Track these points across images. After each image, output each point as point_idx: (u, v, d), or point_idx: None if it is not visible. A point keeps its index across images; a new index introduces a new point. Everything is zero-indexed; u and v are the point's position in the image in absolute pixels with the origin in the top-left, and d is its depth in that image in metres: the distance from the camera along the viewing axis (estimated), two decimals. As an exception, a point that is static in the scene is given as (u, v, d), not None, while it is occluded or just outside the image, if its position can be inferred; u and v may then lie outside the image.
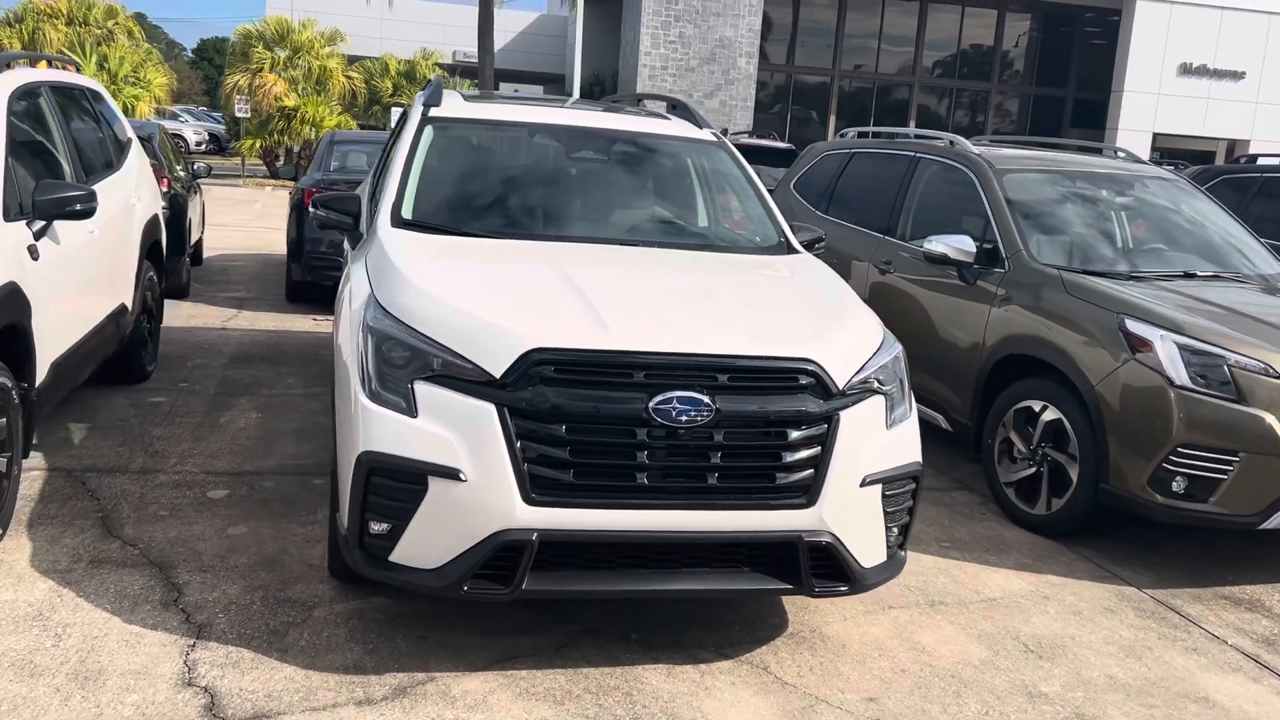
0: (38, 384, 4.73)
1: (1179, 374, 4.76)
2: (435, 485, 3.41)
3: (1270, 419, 4.67)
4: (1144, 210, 6.45)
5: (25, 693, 3.33)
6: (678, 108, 5.94)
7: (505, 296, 3.80)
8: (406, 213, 4.62)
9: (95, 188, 5.83)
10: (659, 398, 3.43)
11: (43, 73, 5.78)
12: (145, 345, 6.91)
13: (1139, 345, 4.91)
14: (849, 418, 3.66)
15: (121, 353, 6.52)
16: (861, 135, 8.05)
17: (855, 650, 4.04)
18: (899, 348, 4.05)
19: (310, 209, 5.11)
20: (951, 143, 6.69)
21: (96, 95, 6.69)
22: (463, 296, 3.73)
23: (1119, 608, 4.62)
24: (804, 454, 3.58)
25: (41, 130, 5.48)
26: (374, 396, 3.53)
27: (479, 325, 3.54)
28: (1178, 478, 4.78)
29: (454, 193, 4.88)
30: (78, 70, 6.72)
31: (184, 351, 7.94)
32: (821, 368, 3.63)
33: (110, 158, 6.44)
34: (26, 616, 3.81)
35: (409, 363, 3.52)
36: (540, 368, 3.42)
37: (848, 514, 3.67)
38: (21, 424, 4.54)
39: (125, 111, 28.86)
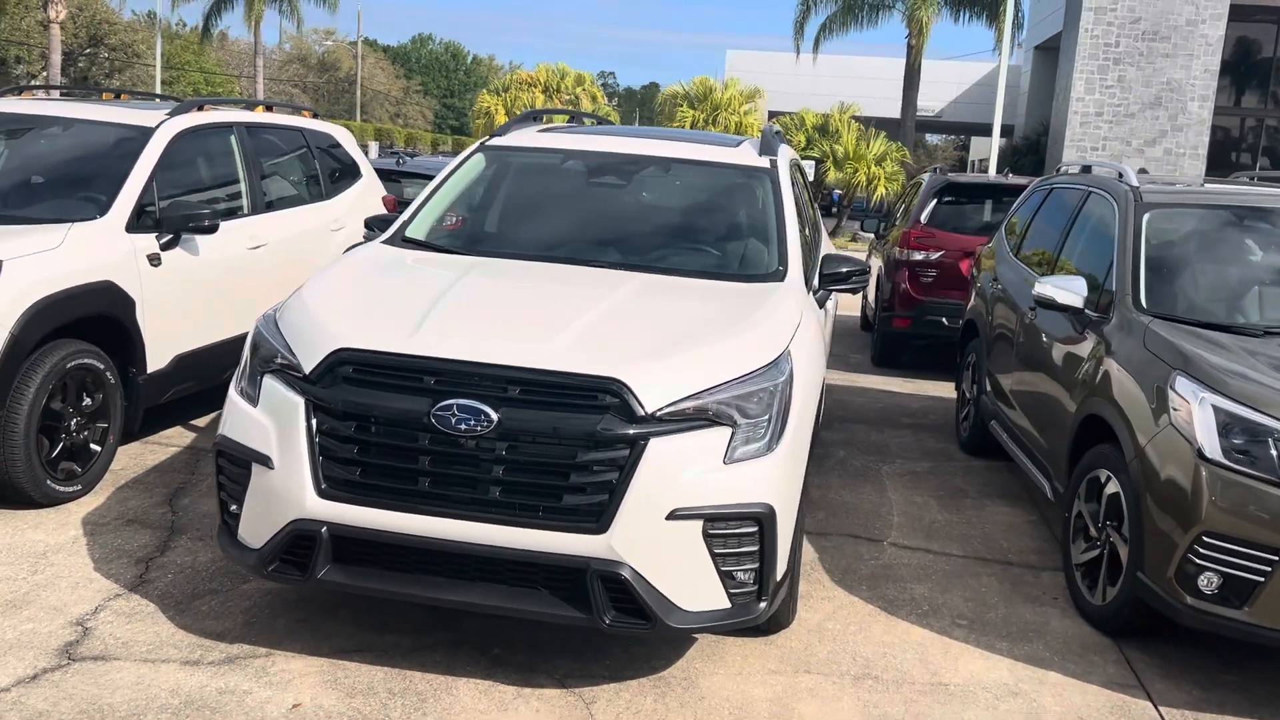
0: (150, 370, 5.61)
1: (1211, 444, 3.83)
2: (255, 471, 3.68)
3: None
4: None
5: (-44, 607, 4.04)
6: (765, 134, 5.75)
7: (364, 304, 4.00)
8: (416, 230, 4.95)
9: (278, 213, 6.82)
10: (440, 404, 3.45)
11: (244, 114, 6.82)
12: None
13: (1180, 407, 4.01)
14: (661, 445, 3.43)
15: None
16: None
17: (708, 705, 3.70)
18: (780, 379, 3.69)
19: None
20: (1120, 175, 5.80)
21: (324, 136, 7.74)
22: (326, 303, 3.98)
23: (1099, 721, 3.80)
24: (596, 477, 3.41)
25: (223, 163, 6.49)
26: (240, 390, 3.88)
27: (312, 326, 3.78)
28: (1206, 573, 3.83)
29: (467, 213, 5.13)
30: (314, 116, 7.81)
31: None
32: (629, 389, 3.44)
33: (318, 190, 7.40)
34: (31, 553, 4.57)
35: (266, 359, 3.83)
36: (343, 367, 3.58)
37: (651, 547, 3.42)
38: (121, 402, 5.43)
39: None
